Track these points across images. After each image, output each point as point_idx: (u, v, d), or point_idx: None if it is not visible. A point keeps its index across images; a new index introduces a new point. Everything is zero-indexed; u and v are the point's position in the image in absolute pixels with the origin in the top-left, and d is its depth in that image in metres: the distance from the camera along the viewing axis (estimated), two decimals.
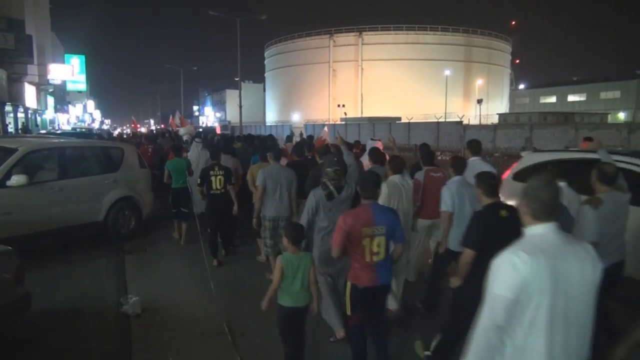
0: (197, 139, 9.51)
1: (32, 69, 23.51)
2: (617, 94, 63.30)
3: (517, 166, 6.94)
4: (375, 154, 6.09)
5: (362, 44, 60.64)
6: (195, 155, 8.64)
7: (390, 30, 61.23)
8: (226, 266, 6.71)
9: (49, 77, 28.51)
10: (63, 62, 34.39)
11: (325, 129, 11.94)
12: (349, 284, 3.54)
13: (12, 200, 6.40)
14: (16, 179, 6.34)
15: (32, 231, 6.53)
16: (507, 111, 61.10)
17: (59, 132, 23.04)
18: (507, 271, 2.01)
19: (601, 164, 4.08)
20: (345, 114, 51.83)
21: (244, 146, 10.13)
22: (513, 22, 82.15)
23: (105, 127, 60.85)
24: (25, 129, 22.04)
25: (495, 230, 2.93)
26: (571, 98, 68.31)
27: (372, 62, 59.84)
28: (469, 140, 6.18)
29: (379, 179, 3.71)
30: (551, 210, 2.11)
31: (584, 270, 2.06)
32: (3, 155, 6.60)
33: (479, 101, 50.54)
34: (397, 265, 4.12)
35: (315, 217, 4.40)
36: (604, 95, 64.72)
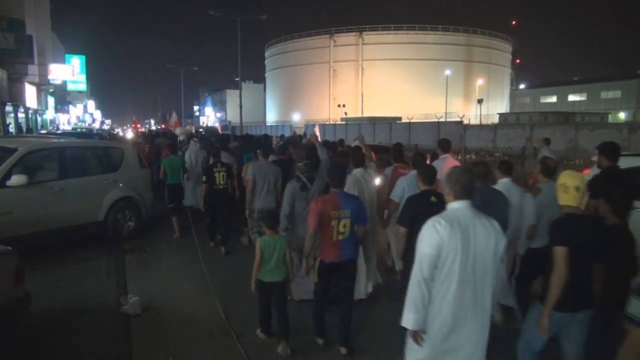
0: (194, 139, 9.76)
1: (33, 69, 23.49)
2: (617, 93, 63.25)
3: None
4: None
5: (363, 43, 60.62)
6: (194, 154, 8.79)
7: (390, 30, 61.21)
8: (225, 266, 6.72)
9: (50, 77, 28.47)
10: (63, 62, 34.36)
11: (316, 128, 12.03)
12: (318, 259, 4.13)
13: (12, 200, 6.41)
14: (16, 179, 6.34)
15: (32, 231, 6.54)
16: (508, 111, 61.05)
17: (59, 132, 23.05)
18: (430, 233, 2.66)
19: (545, 158, 4.68)
20: (346, 114, 51.82)
21: (241, 145, 10.31)
22: (513, 22, 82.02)
23: (105, 127, 60.86)
24: (28, 130, 22.14)
25: (424, 212, 3.15)
26: (572, 98, 68.27)
27: (372, 62, 59.82)
28: (439, 140, 7.08)
29: (344, 170, 4.42)
30: (468, 192, 2.75)
31: (488, 239, 2.68)
32: (3, 155, 6.61)
33: (480, 101, 50.49)
34: (364, 247, 4.91)
35: (293, 207, 4.89)
36: (604, 95, 64.67)
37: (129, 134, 25.29)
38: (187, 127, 23.39)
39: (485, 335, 2.77)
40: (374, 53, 59.80)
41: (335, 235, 3.99)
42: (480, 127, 32.91)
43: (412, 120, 34.44)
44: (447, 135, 30.12)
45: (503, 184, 4.66)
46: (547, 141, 10.76)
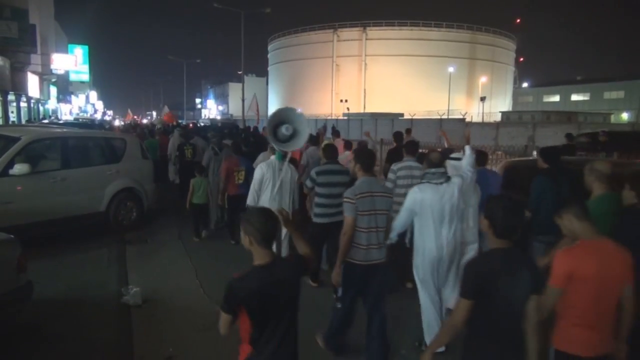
0: (177, 129, 12.56)
1: (36, 59, 23.42)
2: (620, 94, 63.09)
3: None
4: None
5: (366, 39, 60.43)
6: (177, 140, 10.91)
7: (394, 25, 60.98)
8: (224, 257, 6.72)
9: (52, 66, 28.43)
10: (66, 52, 34.29)
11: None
12: (227, 194, 7.19)
13: (15, 189, 6.42)
14: (19, 168, 6.35)
15: (34, 220, 6.55)
16: (510, 109, 60.92)
17: (61, 122, 23.03)
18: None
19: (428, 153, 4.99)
20: (348, 109, 51.73)
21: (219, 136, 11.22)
22: (518, 20, 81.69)
23: (107, 118, 60.79)
24: (29, 120, 22.14)
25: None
26: (575, 97, 68.10)
27: (375, 57, 59.64)
28: (394, 132, 8.63)
29: (240, 147, 7.77)
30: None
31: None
32: (6, 144, 6.61)
33: (482, 99, 50.34)
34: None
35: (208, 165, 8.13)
36: (607, 95, 64.50)
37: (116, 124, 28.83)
38: (160, 118, 27.32)
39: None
40: (377, 48, 59.60)
41: (236, 180, 7.03)
42: (483, 125, 32.82)
43: (414, 117, 34.38)
44: (449, 132, 29.94)
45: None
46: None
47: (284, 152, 4.61)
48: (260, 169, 5.09)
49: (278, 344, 2.25)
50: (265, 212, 2.38)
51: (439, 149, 6.52)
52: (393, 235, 4.05)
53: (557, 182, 4.50)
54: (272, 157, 5.22)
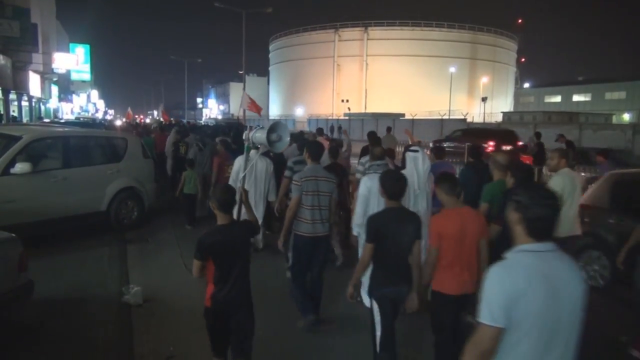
0: (175, 128, 13.26)
1: (37, 58, 23.46)
2: (622, 94, 63.03)
3: None
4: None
5: (367, 39, 60.45)
6: (173, 138, 11.70)
7: (395, 25, 61.00)
8: None
9: (54, 66, 28.47)
10: (68, 51, 34.34)
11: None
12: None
13: (16, 188, 6.43)
14: (20, 167, 6.35)
15: (35, 219, 6.55)
16: (512, 110, 60.88)
17: (62, 121, 23.05)
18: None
19: (373, 149, 5.62)
20: (349, 109, 51.77)
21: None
22: (519, 20, 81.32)
23: (108, 117, 60.83)
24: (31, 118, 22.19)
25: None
26: (576, 98, 68.03)
27: (376, 57, 59.66)
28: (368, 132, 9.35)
29: (230, 145, 9.10)
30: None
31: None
32: (7, 143, 6.62)
33: (484, 99, 50.26)
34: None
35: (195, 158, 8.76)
36: (609, 95, 64.45)
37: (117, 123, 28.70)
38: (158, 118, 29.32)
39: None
40: (378, 48, 59.61)
41: (227, 173, 7.65)
42: (484, 125, 32.82)
43: (415, 117, 34.37)
44: (450, 133, 30.04)
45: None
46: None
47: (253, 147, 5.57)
48: (238, 161, 6.31)
49: (233, 283, 3.09)
50: (224, 187, 3.25)
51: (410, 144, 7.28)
52: (355, 232, 4.64)
53: (478, 173, 5.48)
54: (252, 151, 5.70)
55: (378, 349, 3.42)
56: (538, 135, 14.22)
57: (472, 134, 19.31)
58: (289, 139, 5.32)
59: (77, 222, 7.29)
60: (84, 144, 7.92)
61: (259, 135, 4.98)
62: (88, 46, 39.45)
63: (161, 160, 12.04)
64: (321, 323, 4.51)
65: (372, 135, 8.86)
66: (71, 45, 37.52)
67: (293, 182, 4.51)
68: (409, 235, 3.34)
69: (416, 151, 5.02)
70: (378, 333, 3.41)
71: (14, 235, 4.23)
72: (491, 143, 15.05)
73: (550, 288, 1.82)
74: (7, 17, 18.15)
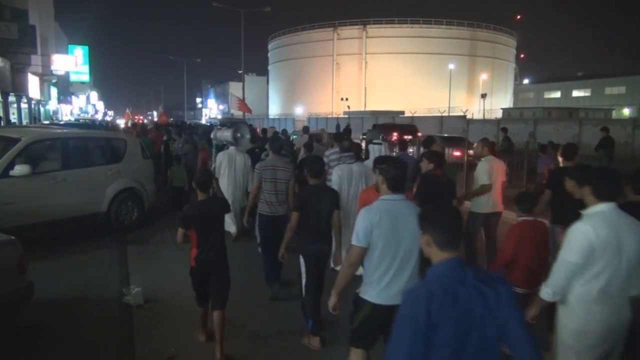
0: (170, 127, 15.01)
1: (36, 60, 23.40)
2: (622, 89, 62.86)
3: None
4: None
5: (366, 37, 60.32)
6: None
7: (394, 23, 60.87)
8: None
9: (53, 67, 28.39)
10: (66, 52, 34.22)
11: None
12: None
13: (15, 190, 6.42)
14: (19, 169, 6.35)
15: (35, 221, 6.55)
16: (511, 106, 60.77)
17: (61, 122, 23.02)
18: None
19: (341, 142, 6.84)
20: (349, 107, 51.69)
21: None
22: (518, 17, 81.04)
23: (108, 118, 60.78)
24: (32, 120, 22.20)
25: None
26: (576, 93, 67.87)
27: (376, 55, 59.54)
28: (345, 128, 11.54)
29: (212, 142, 8.81)
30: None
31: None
32: (6, 145, 6.61)
33: (483, 96, 50.16)
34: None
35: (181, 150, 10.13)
36: (608, 90, 64.28)
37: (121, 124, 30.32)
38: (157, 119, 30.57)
39: None
40: (377, 46, 59.50)
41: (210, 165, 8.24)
42: (484, 121, 32.73)
43: (415, 114, 34.33)
44: (450, 130, 29.97)
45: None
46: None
47: (221, 145, 7.58)
48: (219, 157, 7.49)
49: (211, 246, 3.90)
50: (201, 170, 4.39)
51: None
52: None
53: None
54: (231, 148, 7.50)
55: (304, 293, 4.23)
56: (505, 130, 16.66)
57: (383, 127, 23.10)
58: (249, 136, 7.64)
59: (77, 223, 7.29)
60: (83, 145, 7.91)
61: (224, 134, 6.60)
62: (87, 47, 39.32)
63: (158, 160, 12.46)
64: (284, 286, 5.31)
65: (338, 132, 9.75)
66: (70, 46, 37.41)
67: (255, 170, 5.48)
68: (327, 205, 4.20)
69: (379, 144, 6.38)
70: (304, 281, 4.23)
71: (13, 237, 4.22)
72: (395, 134, 18.97)
73: (394, 221, 2.85)
74: (6, 19, 18.09)
